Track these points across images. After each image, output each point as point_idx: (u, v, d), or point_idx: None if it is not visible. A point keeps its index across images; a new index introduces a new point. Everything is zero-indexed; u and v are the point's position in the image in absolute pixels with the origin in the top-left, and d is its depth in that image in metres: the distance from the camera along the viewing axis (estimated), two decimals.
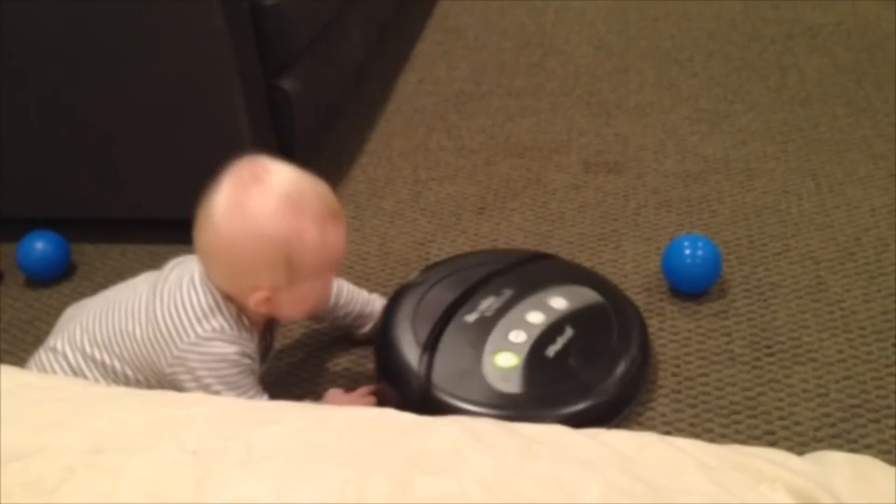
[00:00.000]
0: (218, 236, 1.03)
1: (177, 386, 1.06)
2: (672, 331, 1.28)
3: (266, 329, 1.15)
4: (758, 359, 1.22)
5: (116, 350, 1.09)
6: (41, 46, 1.36)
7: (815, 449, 1.06)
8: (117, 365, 1.09)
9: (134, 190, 1.50)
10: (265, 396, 1.11)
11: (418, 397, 1.11)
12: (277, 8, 1.42)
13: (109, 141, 1.45)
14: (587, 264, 1.42)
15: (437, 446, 0.74)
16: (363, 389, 1.19)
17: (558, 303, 1.21)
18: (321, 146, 1.80)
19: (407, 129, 1.87)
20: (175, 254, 1.51)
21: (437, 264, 1.34)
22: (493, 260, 1.31)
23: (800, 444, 1.08)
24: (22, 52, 1.37)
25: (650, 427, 1.13)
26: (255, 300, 1.05)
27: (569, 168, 1.69)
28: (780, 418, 1.12)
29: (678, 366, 1.22)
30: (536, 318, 1.18)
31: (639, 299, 1.34)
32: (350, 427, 0.78)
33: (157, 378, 1.08)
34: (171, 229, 1.54)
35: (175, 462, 0.71)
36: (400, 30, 2.30)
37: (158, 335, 1.07)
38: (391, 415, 0.81)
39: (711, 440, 1.01)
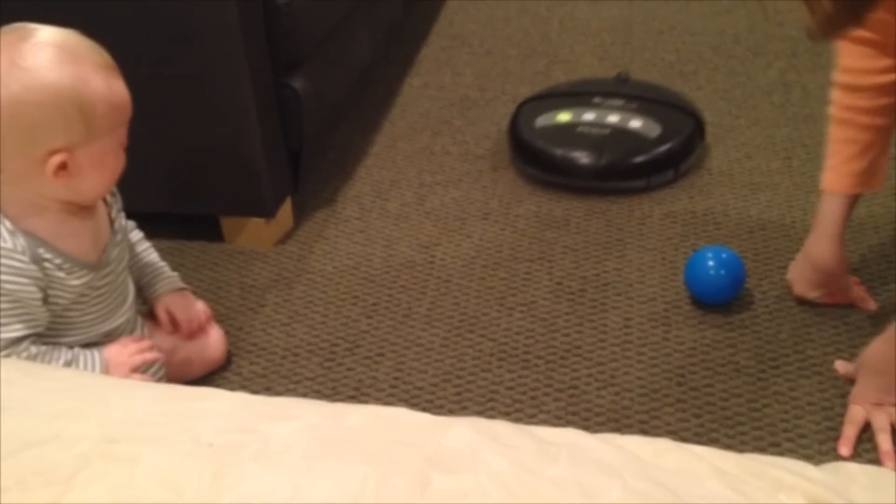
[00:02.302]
0: None
1: None
2: (677, 340, 1.28)
3: (93, 229, 1.10)
4: (763, 371, 1.22)
5: None
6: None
7: (820, 462, 1.05)
8: None
9: (138, 184, 1.49)
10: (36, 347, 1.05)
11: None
12: (290, 6, 1.41)
13: None
14: (591, 273, 1.43)
15: (453, 445, 0.73)
16: (140, 344, 1.15)
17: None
18: (325, 147, 1.80)
19: (412, 133, 1.87)
20: (178, 250, 1.51)
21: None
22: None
23: (805, 458, 1.07)
24: None
25: (655, 437, 1.12)
26: (52, 167, 1.00)
27: None
28: (786, 430, 1.12)
29: (683, 375, 1.22)
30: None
31: (643, 309, 1.34)
32: (365, 424, 0.78)
33: None
34: (175, 224, 1.54)
35: (191, 454, 0.70)
36: (405, 34, 2.30)
37: None
38: (405, 414, 0.80)
39: None
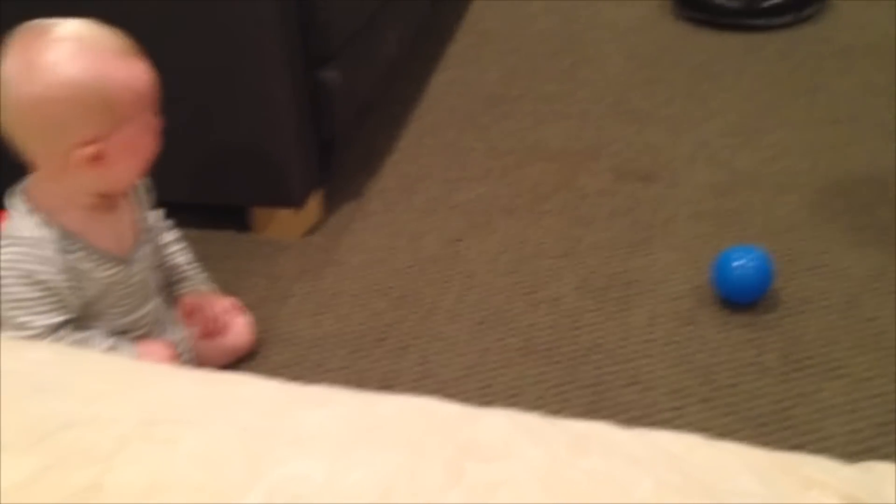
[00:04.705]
0: (22, 102, 0.99)
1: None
2: (702, 340, 1.28)
3: (118, 223, 1.12)
4: (788, 372, 1.22)
5: None
6: None
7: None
8: None
9: (171, 174, 1.51)
10: (73, 333, 1.07)
11: None
12: (325, 0, 1.42)
13: None
14: (617, 270, 1.43)
15: (486, 436, 0.74)
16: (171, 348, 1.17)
17: None
18: (353, 141, 1.81)
19: (438, 129, 1.88)
20: (206, 239, 1.53)
21: None
22: None
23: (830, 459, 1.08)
24: None
25: None
26: (83, 158, 1.01)
27: (599, 174, 1.69)
28: (811, 432, 1.13)
29: (708, 374, 1.22)
30: None
31: (669, 307, 1.34)
32: (398, 413, 0.78)
33: None
34: (205, 214, 1.55)
35: (228, 437, 0.71)
36: (433, 31, 2.31)
37: None
38: (436, 404, 0.81)
39: None
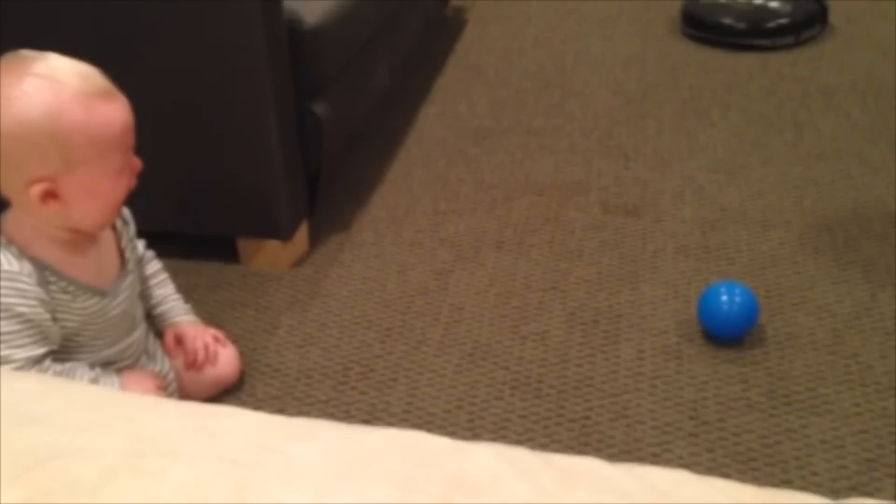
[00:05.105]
0: None
1: None
2: (689, 374, 1.29)
3: (98, 256, 1.11)
4: (775, 407, 1.22)
5: None
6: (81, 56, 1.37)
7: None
8: None
9: (158, 203, 1.51)
10: (51, 364, 1.06)
11: None
12: (315, 32, 1.44)
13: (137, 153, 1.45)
14: (604, 304, 1.44)
15: (474, 470, 0.74)
16: (159, 381, 1.18)
17: None
18: (342, 172, 1.81)
19: (427, 161, 1.89)
20: (194, 270, 1.52)
21: None
22: None
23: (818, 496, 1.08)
24: None
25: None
26: (37, 195, 1.00)
27: (587, 208, 1.71)
28: (798, 468, 1.13)
29: (695, 409, 1.22)
30: None
31: (656, 342, 1.35)
32: (386, 447, 0.78)
33: None
34: (192, 244, 1.55)
35: (215, 470, 0.71)
36: (422, 63, 2.33)
37: None
38: (424, 437, 0.81)
39: None
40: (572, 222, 1.66)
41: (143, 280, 1.24)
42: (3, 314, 1.03)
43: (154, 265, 1.27)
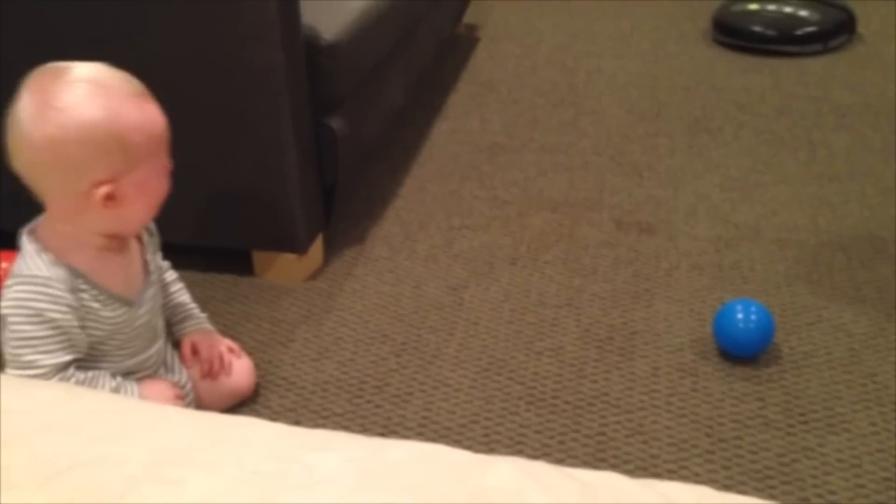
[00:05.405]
0: (37, 143, 1.00)
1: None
2: (705, 391, 1.28)
3: (126, 265, 1.13)
4: (791, 426, 1.22)
5: None
6: None
7: None
8: None
9: (175, 216, 1.51)
10: (75, 372, 1.07)
11: None
12: (333, 48, 1.44)
13: None
14: (619, 321, 1.43)
15: (496, 483, 0.73)
16: (178, 391, 1.18)
17: None
18: (356, 187, 1.82)
19: (440, 177, 1.89)
20: (209, 282, 1.53)
21: None
22: None
23: None
24: None
25: None
26: (98, 198, 1.02)
27: (601, 225, 1.71)
28: (815, 486, 1.12)
29: (711, 427, 1.22)
30: None
31: (671, 359, 1.34)
32: (407, 459, 0.78)
33: None
34: (207, 257, 1.56)
35: (236, 480, 0.71)
36: (436, 80, 2.34)
37: None
38: (445, 450, 0.81)
39: None
40: (586, 239, 1.66)
41: (163, 289, 1.25)
42: (33, 319, 1.04)
43: (170, 275, 1.27)
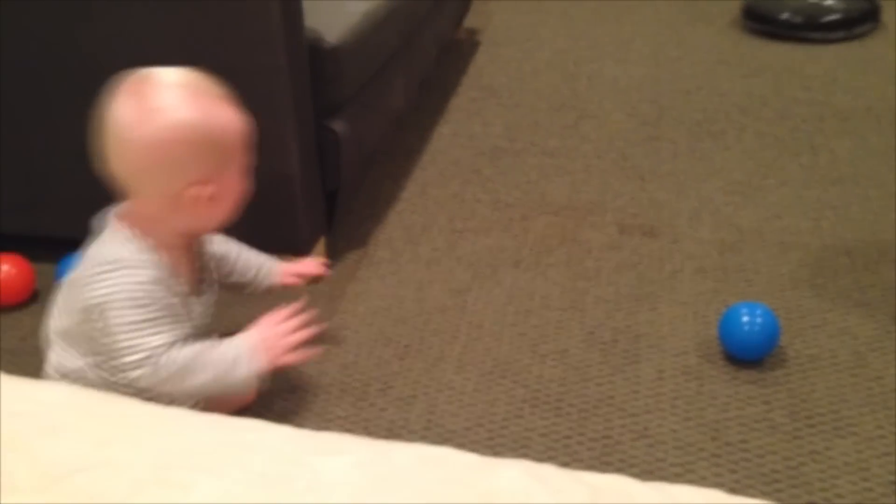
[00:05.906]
0: (136, 147, 1.01)
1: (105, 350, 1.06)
2: (710, 395, 1.27)
3: (191, 264, 1.14)
4: (798, 429, 1.21)
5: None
6: (103, 75, 1.38)
7: None
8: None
9: None
10: (185, 348, 1.08)
11: None
12: (336, 52, 1.44)
13: None
14: (623, 324, 1.43)
15: (504, 486, 0.73)
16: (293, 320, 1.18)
17: None
18: (358, 190, 1.82)
19: (442, 180, 1.89)
20: None
21: None
22: None
23: None
24: (85, 85, 1.39)
25: None
26: (200, 198, 1.04)
27: (604, 228, 1.70)
28: (822, 489, 1.11)
29: (717, 430, 1.21)
30: None
31: (676, 362, 1.34)
32: (414, 462, 0.77)
33: (98, 363, 1.08)
34: None
35: (244, 483, 0.70)
36: (437, 84, 2.34)
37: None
38: (452, 453, 0.80)
39: None
40: (589, 242, 1.66)
41: (222, 264, 1.26)
42: (141, 301, 1.05)
43: (225, 243, 1.28)
